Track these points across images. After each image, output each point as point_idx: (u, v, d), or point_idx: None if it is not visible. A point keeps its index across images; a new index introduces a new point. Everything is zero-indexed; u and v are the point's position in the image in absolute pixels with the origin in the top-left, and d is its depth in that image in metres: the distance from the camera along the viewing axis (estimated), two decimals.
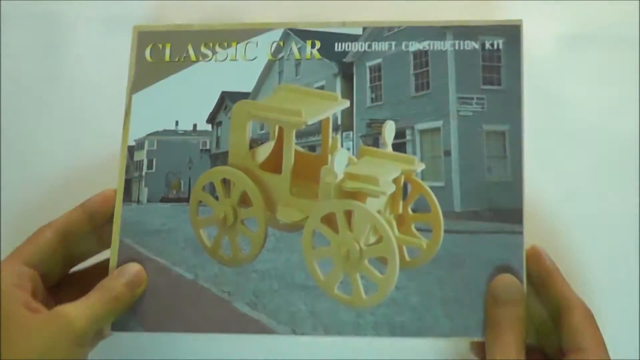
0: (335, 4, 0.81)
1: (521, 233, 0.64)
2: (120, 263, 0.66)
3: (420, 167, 0.67)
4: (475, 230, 0.65)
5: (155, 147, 0.70)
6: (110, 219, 0.68)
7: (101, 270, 0.67)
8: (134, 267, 0.66)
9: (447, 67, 0.68)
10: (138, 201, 0.69)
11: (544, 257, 0.65)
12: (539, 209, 0.76)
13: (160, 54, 0.71)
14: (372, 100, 0.69)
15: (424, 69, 0.69)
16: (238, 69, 0.70)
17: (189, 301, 0.67)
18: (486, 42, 0.68)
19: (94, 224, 0.67)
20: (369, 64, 0.70)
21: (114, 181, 0.69)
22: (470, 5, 0.81)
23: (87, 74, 0.84)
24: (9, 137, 0.83)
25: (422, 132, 0.68)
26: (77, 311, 0.61)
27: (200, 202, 0.69)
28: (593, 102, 0.81)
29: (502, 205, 0.65)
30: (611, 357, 0.62)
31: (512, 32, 0.68)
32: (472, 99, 0.68)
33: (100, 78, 0.83)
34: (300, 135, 0.70)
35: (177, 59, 0.71)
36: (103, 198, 0.68)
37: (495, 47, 0.68)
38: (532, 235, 0.66)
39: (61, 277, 0.67)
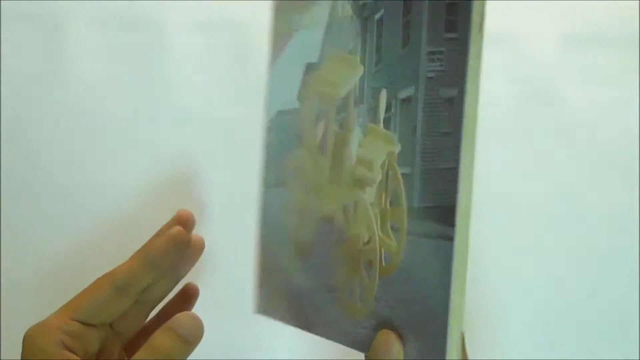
0: None
1: (451, 239, 0.47)
2: None
3: (397, 148, 0.54)
4: (426, 234, 0.50)
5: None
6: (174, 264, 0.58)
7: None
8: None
9: (422, 12, 0.52)
10: None
11: None
12: (537, 210, 0.79)
13: None
14: (376, 64, 0.57)
15: (408, 17, 0.53)
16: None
17: None
18: None
19: (155, 275, 0.56)
20: (377, 17, 0.57)
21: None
22: None
23: (87, 74, 0.85)
24: (9, 137, 0.86)
25: (402, 102, 0.54)
26: None
27: None
28: (593, 102, 0.82)
29: (441, 202, 0.48)
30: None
31: None
32: (435, 53, 0.50)
33: (101, 79, 0.85)
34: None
35: None
36: (166, 243, 0.56)
37: None
38: (530, 234, 0.71)
39: (134, 331, 0.59)
